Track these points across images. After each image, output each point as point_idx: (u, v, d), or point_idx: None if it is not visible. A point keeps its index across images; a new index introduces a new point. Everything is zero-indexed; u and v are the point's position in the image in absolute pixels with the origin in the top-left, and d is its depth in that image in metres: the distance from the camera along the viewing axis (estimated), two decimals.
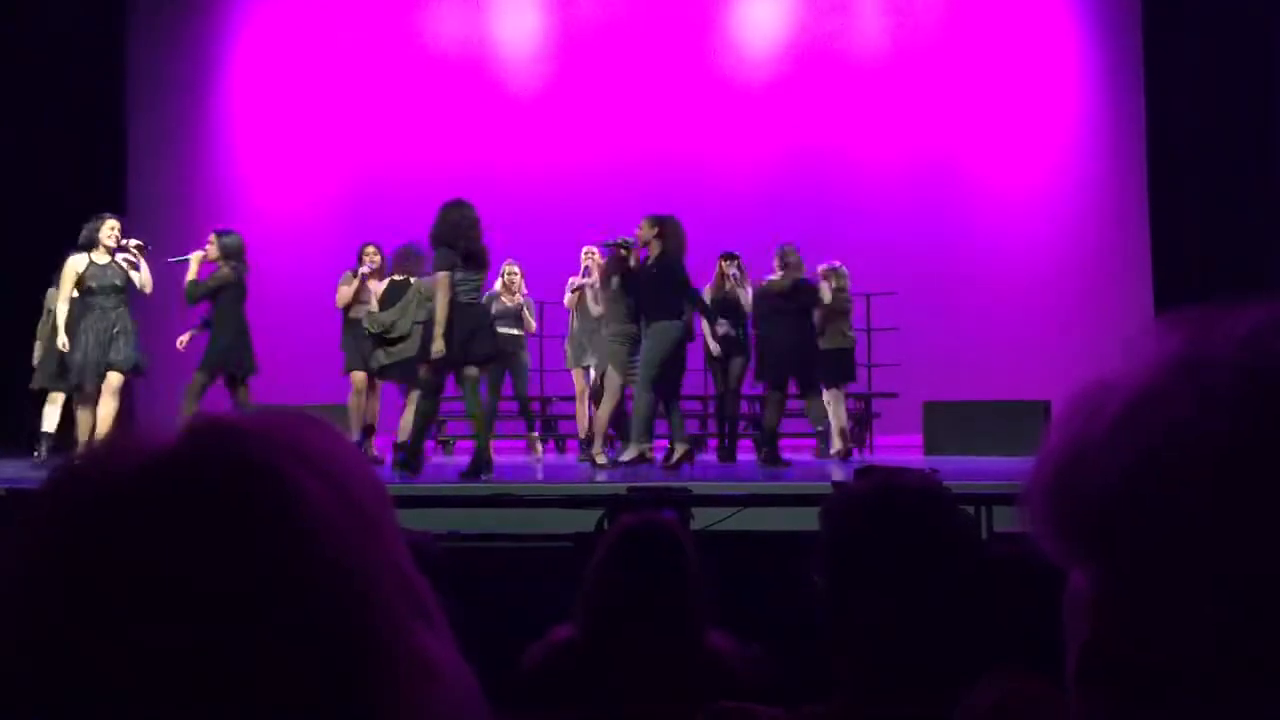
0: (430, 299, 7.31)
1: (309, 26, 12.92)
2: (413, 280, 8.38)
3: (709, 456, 9.60)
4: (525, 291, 9.38)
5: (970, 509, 4.20)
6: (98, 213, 8.14)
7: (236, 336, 7.98)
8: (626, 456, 7.58)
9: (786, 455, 8.48)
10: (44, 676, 0.55)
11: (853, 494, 1.69)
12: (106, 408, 7.74)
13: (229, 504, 0.58)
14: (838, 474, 7.59)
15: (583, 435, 9.01)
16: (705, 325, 8.98)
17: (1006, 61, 12.45)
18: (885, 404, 10.70)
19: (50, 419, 8.07)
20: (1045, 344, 11.23)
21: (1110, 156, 12.20)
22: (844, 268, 9.34)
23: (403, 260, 8.51)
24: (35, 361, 8.46)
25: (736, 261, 9.00)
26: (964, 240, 12.14)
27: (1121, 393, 0.59)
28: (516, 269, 9.34)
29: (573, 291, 9.18)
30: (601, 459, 7.88)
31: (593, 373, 8.98)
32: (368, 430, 8.38)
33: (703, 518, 4.59)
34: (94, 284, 7.81)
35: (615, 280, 8.06)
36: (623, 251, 7.98)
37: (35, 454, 8.09)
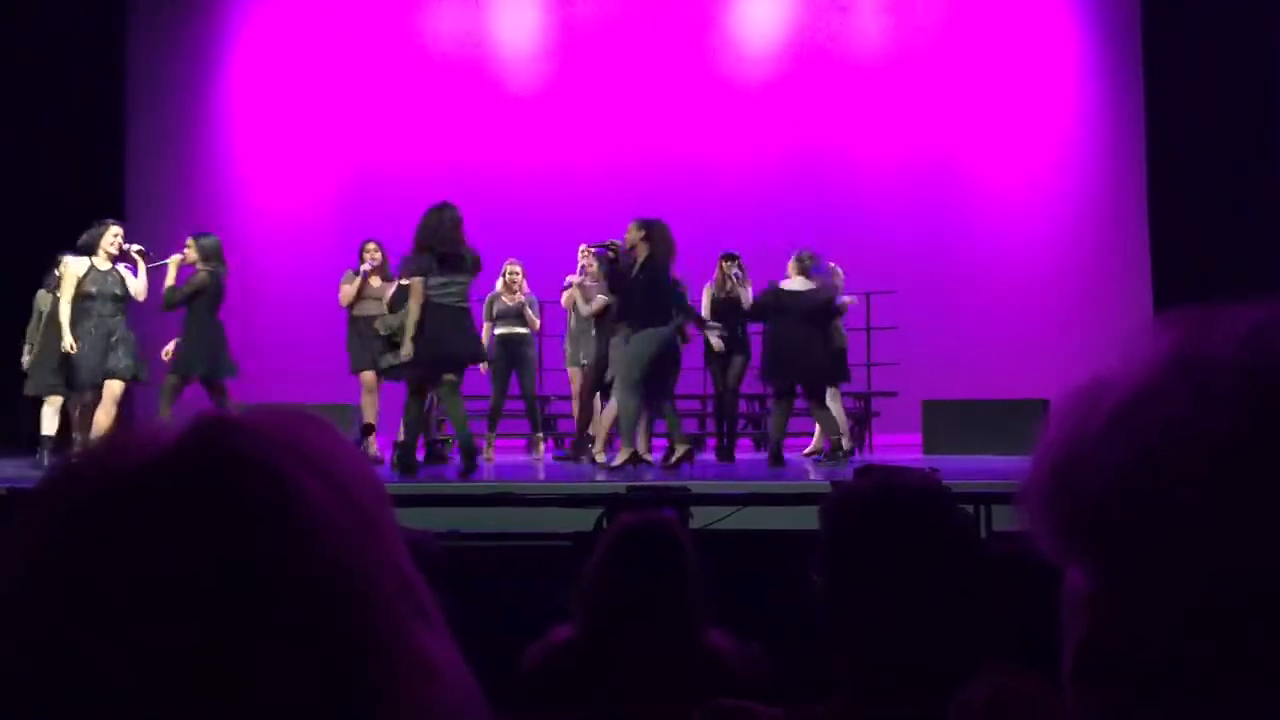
0: None
1: (308, 26, 12.92)
2: None
3: (708, 456, 9.60)
4: (527, 289, 9.38)
5: (969, 508, 4.20)
6: (98, 214, 8.12)
7: (209, 340, 7.94)
8: (618, 461, 7.58)
9: (787, 454, 8.47)
10: (44, 676, 0.55)
11: (852, 493, 1.69)
12: (106, 415, 7.69)
13: (229, 503, 0.58)
14: (813, 474, 7.62)
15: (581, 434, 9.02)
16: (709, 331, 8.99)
17: (1006, 61, 12.44)
18: (884, 403, 10.70)
19: (49, 422, 8.04)
20: (1045, 343, 11.23)
21: (1110, 156, 12.19)
22: (839, 268, 9.32)
23: None
24: (27, 365, 8.40)
25: (737, 261, 8.99)
26: (963, 240, 12.14)
27: (1118, 391, 0.59)
28: (518, 268, 9.35)
29: (566, 290, 9.22)
30: (600, 459, 7.90)
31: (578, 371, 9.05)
32: (367, 429, 8.39)
33: (702, 517, 4.59)
34: (93, 289, 7.74)
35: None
36: (610, 254, 7.99)
37: (37, 457, 8.08)
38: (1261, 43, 11.09)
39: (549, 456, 9.65)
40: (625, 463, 7.49)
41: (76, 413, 7.95)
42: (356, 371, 8.53)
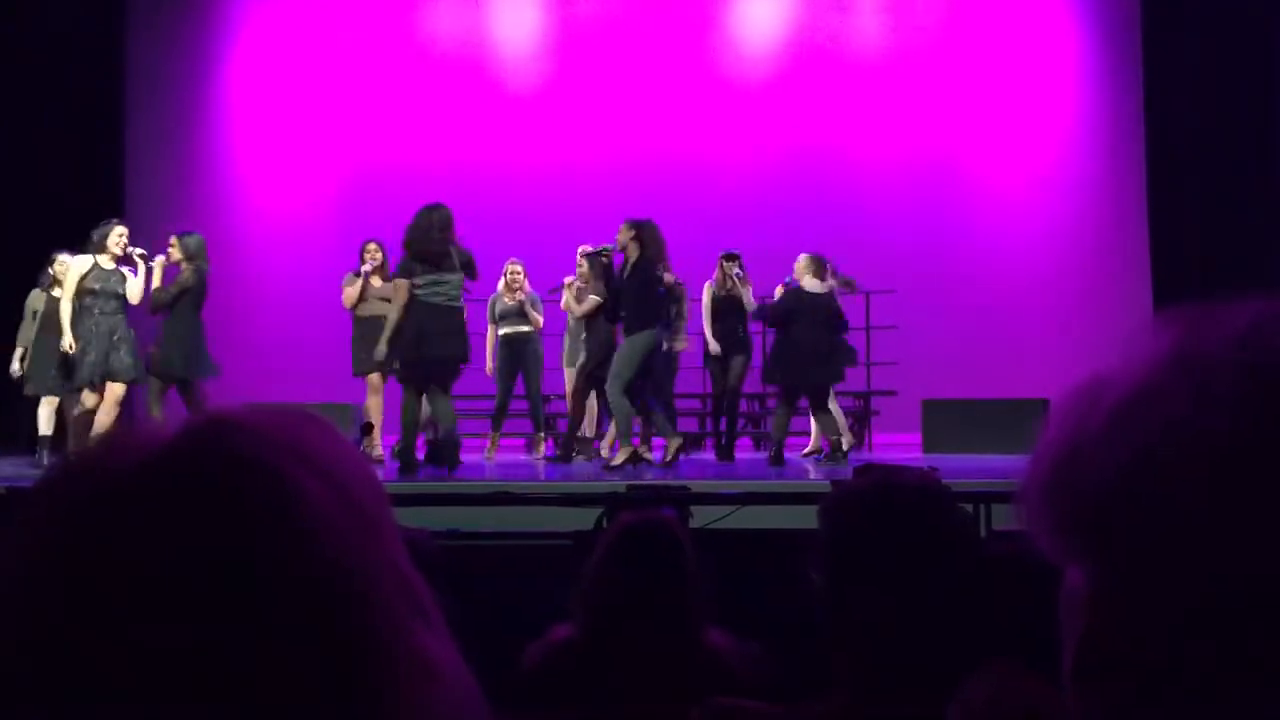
0: None
1: (308, 26, 12.91)
2: None
3: (708, 455, 9.60)
4: (529, 288, 9.38)
5: (969, 507, 4.20)
6: (98, 214, 8.10)
7: (194, 340, 7.94)
8: (617, 461, 7.59)
9: (787, 454, 8.47)
10: (44, 676, 0.55)
11: (851, 492, 1.69)
12: (108, 416, 7.66)
13: (229, 503, 0.58)
14: (813, 473, 7.62)
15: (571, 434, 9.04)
16: (706, 324, 8.98)
17: (1006, 61, 12.44)
18: (884, 402, 10.71)
19: (46, 423, 8.03)
20: (1044, 343, 11.23)
21: (1110, 156, 12.19)
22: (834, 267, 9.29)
23: None
24: (21, 365, 8.36)
25: (738, 261, 8.97)
26: (963, 239, 12.14)
27: (1118, 389, 0.59)
28: (519, 267, 9.35)
29: (555, 291, 9.25)
30: (605, 452, 7.95)
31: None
32: (367, 429, 8.39)
33: (701, 516, 4.59)
34: (96, 287, 7.69)
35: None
36: (604, 259, 8.02)
37: (35, 456, 8.07)
38: (1261, 43, 11.09)
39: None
40: (625, 462, 7.50)
41: (75, 412, 7.91)
42: (363, 374, 8.50)
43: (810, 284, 8.39)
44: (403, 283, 7.28)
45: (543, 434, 9.72)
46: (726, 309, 8.88)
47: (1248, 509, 0.55)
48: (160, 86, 12.51)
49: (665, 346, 8.10)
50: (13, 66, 11.11)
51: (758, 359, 9.27)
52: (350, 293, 8.64)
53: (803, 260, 8.52)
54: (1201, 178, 11.10)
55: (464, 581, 3.32)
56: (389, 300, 8.14)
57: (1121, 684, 0.59)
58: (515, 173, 12.40)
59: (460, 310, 7.42)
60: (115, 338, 7.70)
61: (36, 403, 8.15)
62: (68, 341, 7.69)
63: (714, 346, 8.92)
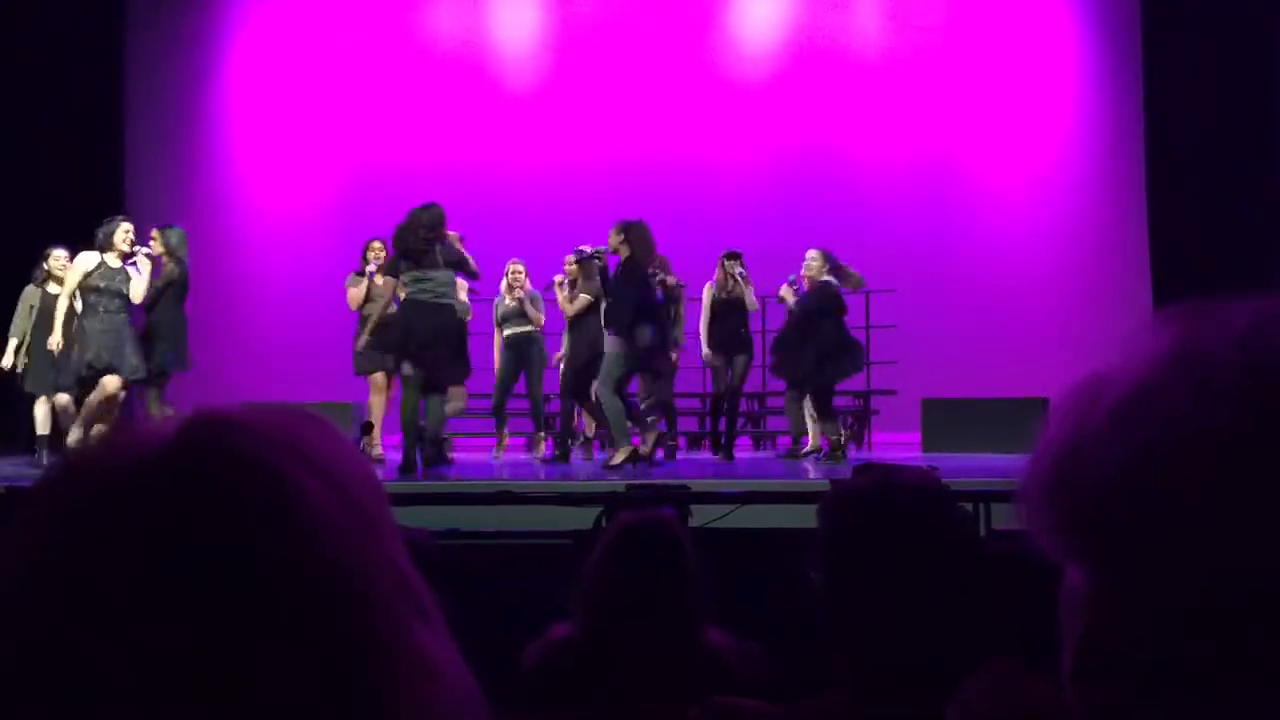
0: (459, 310, 7.80)
1: (307, 26, 12.91)
2: None
3: (707, 454, 9.61)
4: (529, 286, 9.39)
5: (969, 506, 4.20)
6: (98, 214, 8.06)
7: (178, 333, 7.96)
8: (616, 460, 7.59)
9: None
10: (44, 676, 0.55)
11: (851, 491, 1.69)
12: (109, 413, 7.59)
13: (229, 503, 0.58)
14: (812, 472, 7.63)
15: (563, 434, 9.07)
16: (703, 327, 8.98)
17: (1006, 61, 12.44)
18: (883, 401, 10.70)
19: (43, 422, 8.01)
20: (1044, 342, 11.23)
21: (1110, 156, 12.19)
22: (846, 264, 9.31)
23: None
24: (18, 361, 8.31)
25: (740, 260, 8.94)
26: (963, 239, 12.14)
27: (1118, 387, 0.59)
28: (520, 267, 9.35)
29: (548, 289, 9.27)
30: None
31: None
32: (367, 428, 8.39)
33: (701, 515, 4.60)
34: (103, 284, 7.62)
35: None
36: (597, 261, 8.04)
37: (35, 455, 8.06)
38: (1261, 43, 11.08)
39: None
40: (624, 461, 7.50)
41: (72, 409, 7.84)
42: (366, 373, 8.50)
43: (829, 280, 8.44)
44: (389, 280, 7.59)
45: (543, 434, 9.72)
46: (728, 309, 8.86)
47: (1248, 507, 0.55)
48: (160, 86, 12.51)
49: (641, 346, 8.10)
50: (13, 66, 11.11)
51: (759, 359, 9.28)
52: (355, 293, 8.63)
53: (820, 257, 8.54)
54: (1201, 178, 11.10)
55: (464, 581, 3.32)
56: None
57: (1121, 684, 0.58)
58: (515, 172, 12.40)
59: (450, 307, 7.43)
60: (121, 335, 7.63)
61: (36, 402, 8.13)
62: (55, 339, 7.66)
63: (706, 352, 8.92)
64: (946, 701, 1.19)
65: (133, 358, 7.64)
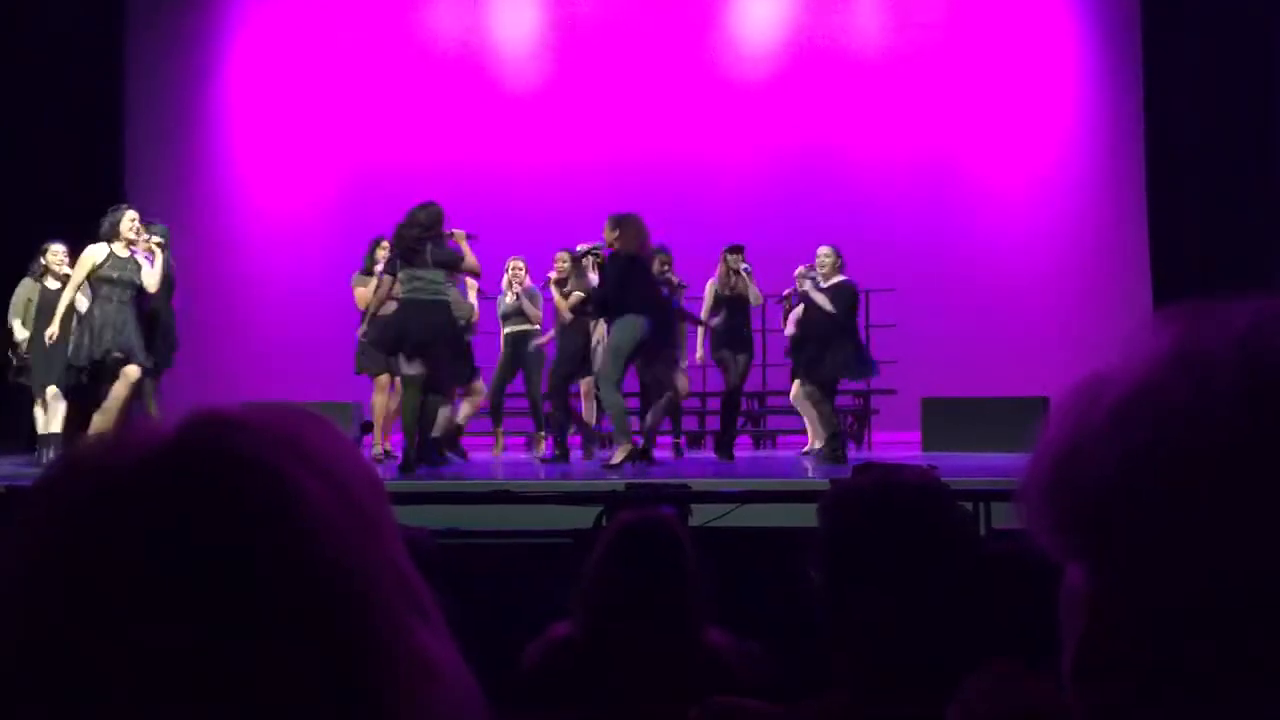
0: (461, 309, 7.96)
1: (307, 25, 12.91)
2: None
3: (707, 453, 9.60)
4: (528, 283, 9.38)
5: (969, 505, 4.20)
6: (98, 214, 8.00)
7: (168, 333, 7.99)
8: (616, 459, 7.58)
9: (786, 452, 8.47)
10: (44, 676, 0.55)
11: (851, 490, 1.69)
12: (115, 407, 7.50)
13: (228, 502, 0.58)
14: (812, 471, 7.63)
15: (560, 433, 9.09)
16: (699, 330, 8.97)
17: (1006, 61, 12.44)
18: (883, 400, 10.70)
19: (43, 420, 7.98)
20: (1044, 342, 11.23)
21: (1109, 156, 12.19)
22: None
23: None
24: (12, 353, 8.25)
25: (742, 254, 8.81)
26: (963, 238, 12.15)
27: (1119, 386, 0.59)
28: (520, 264, 9.34)
29: (544, 286, 9.28)
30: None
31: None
32: (367, 427, 8.39)
33: (701, 514, 4.60)
34: (114, 275, 7.49)
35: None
36: (593, 258, 8.03)
37: (35, 454, 8.04)
38: (1261, 43, 11.08)
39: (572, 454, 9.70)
40: (624, 460, 7.49)
41: (63, 403, 7.78)
42: (369, 373, 8.49)
43: (846, 278, 8.46)
44: (386, 278, 7.70)
45: (543, 433, 9.72)
46: (730, 306, 8.76)
47: (1248, 507, 0.55)
48: (160, 86, 12.50)
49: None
50: (13, 66, 11.11)
51: (759, 359, 9.27)
52: (363, 292, 8.59)
53: (832, 253, 8.49)
54: (1201, 178, 11.10)
55: (464, 580, 3.32)
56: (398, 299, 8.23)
57: (1121, 684, 0.58)
58: (515, 172, 12.40)
59: (445, 305, 7.44)
60: (129, 326, 7.50)
61: (36, 401, 8.11)
62: (53, 330, 7.54)
63: (699, 352, 8.88)
64: (946, 701, 1.19)
65: (141, 349, 7.60)
